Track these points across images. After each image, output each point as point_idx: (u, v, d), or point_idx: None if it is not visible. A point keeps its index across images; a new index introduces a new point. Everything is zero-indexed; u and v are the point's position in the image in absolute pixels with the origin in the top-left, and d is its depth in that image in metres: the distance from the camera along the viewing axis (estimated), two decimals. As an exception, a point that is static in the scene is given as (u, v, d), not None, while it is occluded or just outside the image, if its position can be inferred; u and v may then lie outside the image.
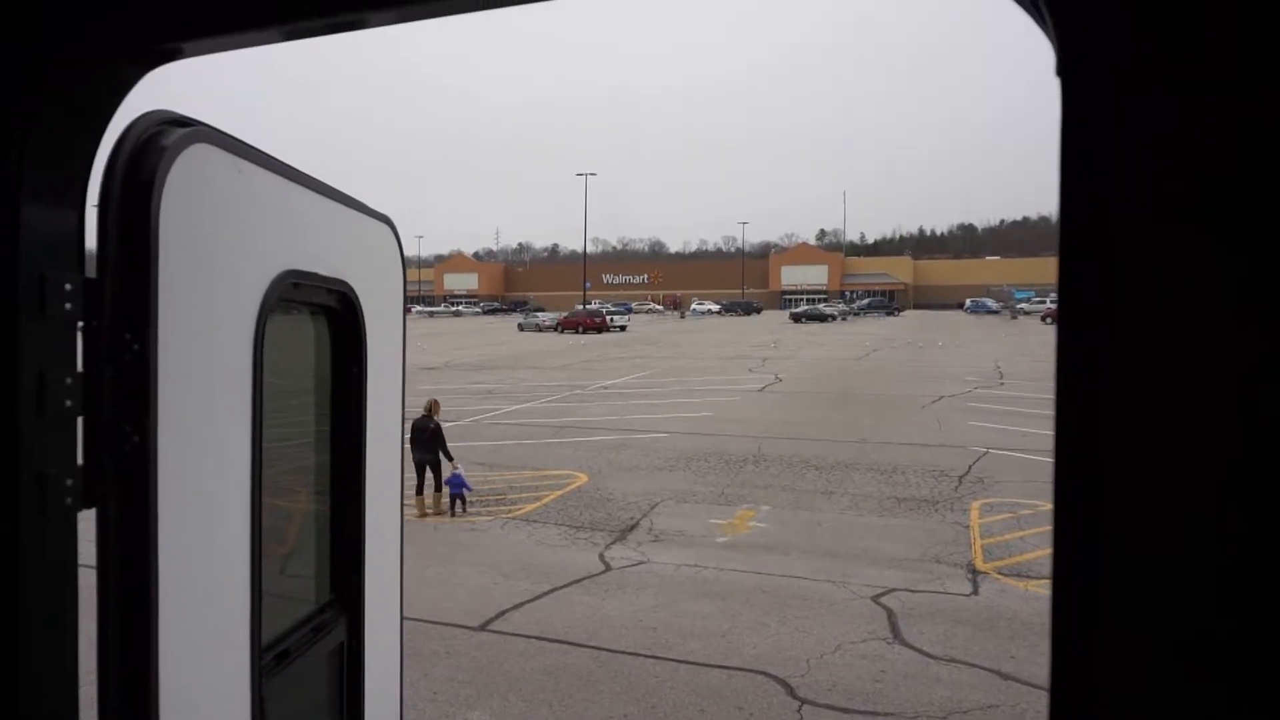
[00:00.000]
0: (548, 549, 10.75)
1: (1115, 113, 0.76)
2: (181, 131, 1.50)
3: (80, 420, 1.42)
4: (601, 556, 10.42)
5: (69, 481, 1.39)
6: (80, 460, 1.43)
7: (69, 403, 1.39)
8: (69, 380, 1.39)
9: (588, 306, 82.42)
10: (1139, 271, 0.76)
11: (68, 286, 1.37)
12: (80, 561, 1.45)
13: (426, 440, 12.26)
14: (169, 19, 1.22)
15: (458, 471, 12.32)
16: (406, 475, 2.89)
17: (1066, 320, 0.80)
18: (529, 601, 8.94)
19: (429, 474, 12.51)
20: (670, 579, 9.61)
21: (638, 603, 8.90)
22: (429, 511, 12.34)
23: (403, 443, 2.73)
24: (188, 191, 1.50)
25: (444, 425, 12.91)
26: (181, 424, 1.52)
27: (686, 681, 7.12)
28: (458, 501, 12.39)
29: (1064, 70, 0.79)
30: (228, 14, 1.19)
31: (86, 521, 1.45)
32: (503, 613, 8.64)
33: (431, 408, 12.44)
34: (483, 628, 8.28)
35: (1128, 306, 0.76)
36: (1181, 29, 0.74)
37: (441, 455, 12.37)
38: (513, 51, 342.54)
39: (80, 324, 1.41)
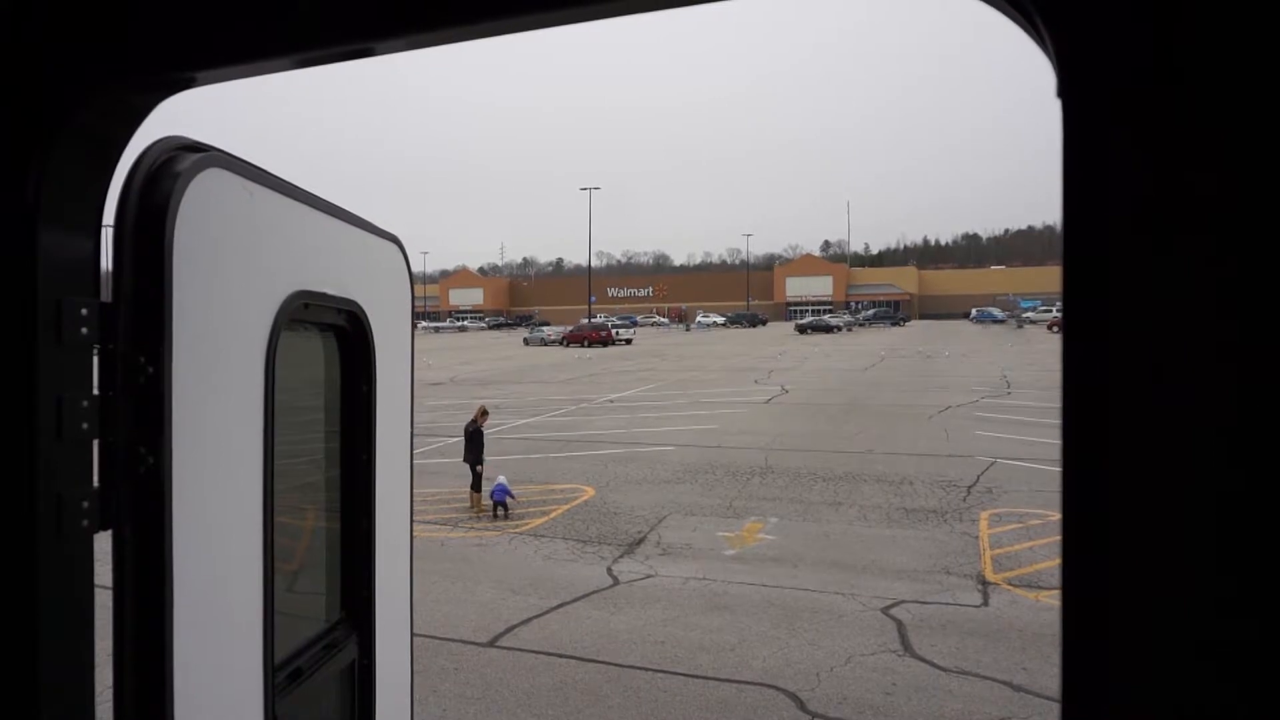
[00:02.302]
0: (555, 563, 10.74)
1: (1114, 133, 0.78)
2: (194, 157, 1.53)
3: (96, 443, 1.44)
4: (609, 570, 10.40)
5: (85, 504, 1.41)
6: (96, 482, 1.44)
7: (85, 425, 1.40)
8: (85, 403, 1.40)
9: (593, 320, 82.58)
10: (1141, 284, 0.77)
11: (84, 311, 1.39)
12: (96, 582, 1.46)
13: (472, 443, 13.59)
14: (184, 49, 1.24)
15: (501, 481, 13.25)
16: (417, 491, 2.92)
17: (1071, 334, 0.81)
18: (537, 617, 8.92)
19: (474, 473, 13.65)
20: (678, 592, 9.58)
21: (646, 617, 8.88)
22: (478, 511, 13.36)
23: (413, 459, 2.75)
24: (200, 216, 1.52)
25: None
26: (195, 445, 1.53)
27: (696, 696, 7.09)
28: (499, 508, 13.15)
29: (1064, 92, 0.81)
30: (240, 44, 1.21)
31: (102, 542, 1.47)
32: (511, 628, 8.62)
33: (478, 415, 13.88)
34: (491, 643, 8.26)
35: (1131, 318, 0.77)
36: (1179, 51, 0.75)
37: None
38: (516, 70, 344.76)
39: (96, 347, 1.43)
